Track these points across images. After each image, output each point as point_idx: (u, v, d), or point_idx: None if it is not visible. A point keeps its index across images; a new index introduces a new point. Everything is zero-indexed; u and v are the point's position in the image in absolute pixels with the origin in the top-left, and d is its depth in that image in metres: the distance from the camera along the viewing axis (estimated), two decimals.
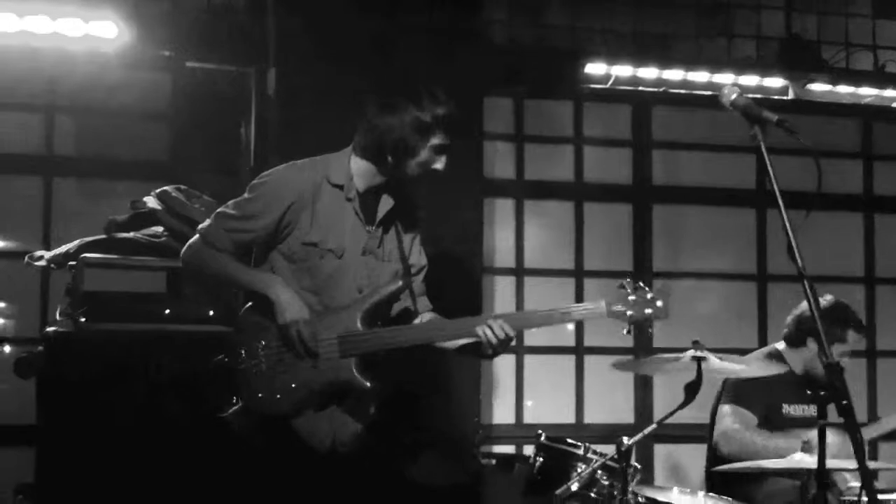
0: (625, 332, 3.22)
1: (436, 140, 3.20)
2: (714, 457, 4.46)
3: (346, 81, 4.88)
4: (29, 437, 4.23)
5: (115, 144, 5.44)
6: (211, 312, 4.19)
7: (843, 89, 6.32)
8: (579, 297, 6.14)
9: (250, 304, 3.30)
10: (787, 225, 2.55)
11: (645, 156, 6.30)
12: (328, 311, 3.25)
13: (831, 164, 6.28)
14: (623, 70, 5.96)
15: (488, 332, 3.18)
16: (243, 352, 3.24)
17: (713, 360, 3.66)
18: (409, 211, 3.45)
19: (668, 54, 6.11)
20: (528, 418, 5.99)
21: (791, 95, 6.34)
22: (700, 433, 4.76)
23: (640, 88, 6.12)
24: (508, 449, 5.85)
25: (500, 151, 6.06)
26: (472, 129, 5.29)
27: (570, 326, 6.14)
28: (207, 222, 3.33)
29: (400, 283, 3.30)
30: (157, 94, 5.47)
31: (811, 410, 4.38)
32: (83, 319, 4.10)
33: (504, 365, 6.01)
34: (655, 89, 6.14)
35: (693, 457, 5.53)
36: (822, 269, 6.06)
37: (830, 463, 2.85)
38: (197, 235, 3.34)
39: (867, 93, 6.37)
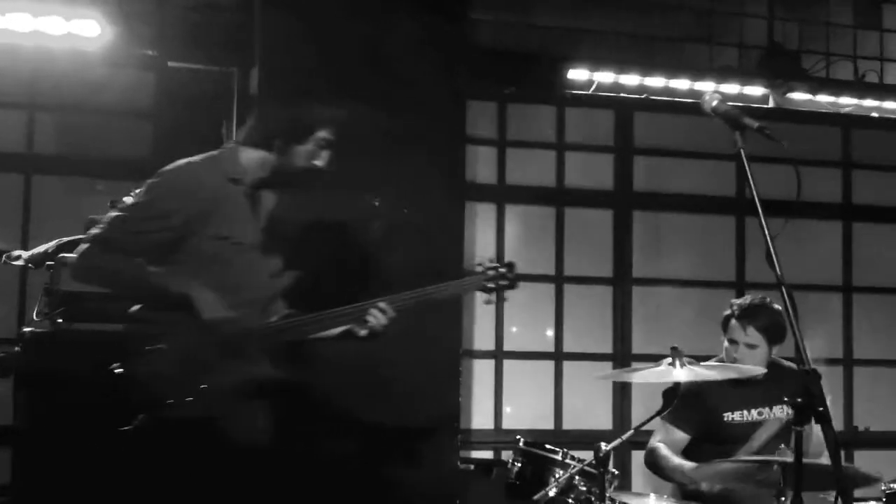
0: (485, 302, 3.62)
1: (322, 133, 3.34)
2: None
3: (330, 82, 4.88)
4: (5, 437, 4.20)
5: (96, 142, 5.43)
6: None
7: (823, 98, 6.35)
8: (559, 302, 6.16)
9: (139, 306, 3.20)
10: (766, 232, 2.56)
11: (627, 162, 6.33)
12: (237, 306, 3.22)
13: (811, 172, 6.33)
14: (605, 76, 5.98)
15: (379, 315, 3.35)
16: (145, 357, 3.11)
17: (691, 367, 3.67)
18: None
19: (651, 60, 6.14)
20: (507, 424, 6.00)
21: (771, 104, 6.38)
22: None
23: (623, 95, 6.15)
24: (487, 454, 5.86)
25: (482, 155, 6.07)
26: (455, 131, 5.29)
27: (550, 332, 6.16)
28: (104, 227, 3.23)
29: (290, 275, 3.35)
30: (140, 93, 5.46)
31: (753, 415, 4.37)
32: (60, 319, 4.08)
33: (483, 370, 6.02)
34: (638, 96, 6.17)
35: None
36: (801, 277, 6.10)
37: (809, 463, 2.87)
38: (90, 243, 3.23)
39: (847, 102, 6.40)
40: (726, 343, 4.36)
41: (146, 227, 3.21)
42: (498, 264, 3.60)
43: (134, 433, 3.09)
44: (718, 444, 4.30)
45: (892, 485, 3.66)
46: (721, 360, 4.43)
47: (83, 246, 3.26)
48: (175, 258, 3.24)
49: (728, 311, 4.39)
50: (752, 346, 4.28)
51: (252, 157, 3.35)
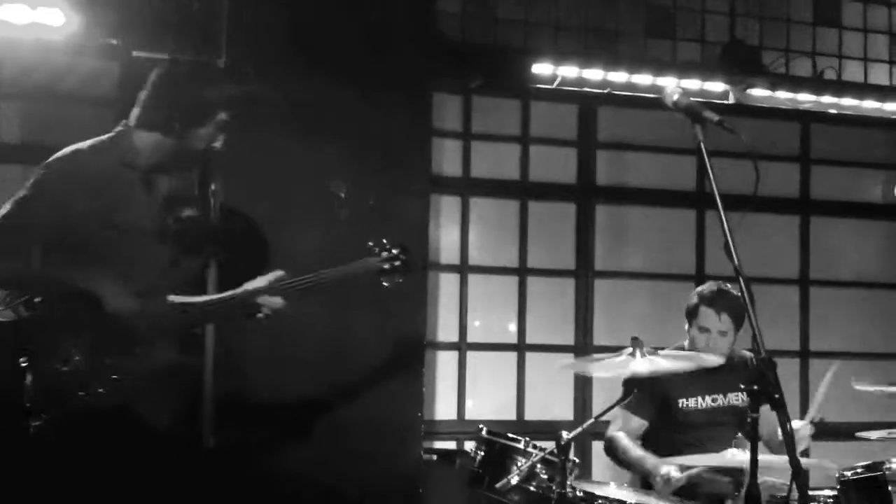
0: (385, 284, 3.67)
1: (223, 115, 3.29)
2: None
3: (294, 72, 4.89)
4: None
5: (60, 131, 5.36)
6: None
7: (782, 94, 6.45)
8: (522, 294, 6.21)
9: (39, 300, 3.16)
10: (725, 224, 2.61)
11: (590, 156, 6.38)
12: (136, 294, 3.20)
13: (769, 166, 6.42)
14: (569, 70, 6.03)
15: (276, 299, 3.38)
16: (50, 351, 3.08)
17: (652, 357, 3.73)
18: (185, 195, 3.54)
19: (614, 55, 6.20)
20: (470, 415, 6.04)
21: (732, 99, 6.46)
22: None
23: (586, 89, 6.21)
24: (450, 445, 5.89)
25: (447, 148, 6.10)
26: (421, 124, 5.31)
27: (513, 324, 6.20)
28: None
29: (188, 260, 3.37)
30: (105, 81, 5.41)
31: (708, 402, 4.43)
32: (23, 308, 4.05)
33: (446, 361, 6.06)
34: (601, 90, 6.23)
35: None
36: (758, 270, 6.18)
37: (763, 458, 2.93)
38: None
39: (805, 98, 6.50)
40: (694, 331, 4.39)
41: (37, 221, 3.15)
42: (392, 247, 3.63)
43: (44, 428, 3.03)
44: (675, 432, 4.37)
45: (845, 472, 3.74)
46: (681, 349, 4.49)
47: None
48: (69, 248, 3.18)
49: (695, 300, 4.41)
50: (724, 333, 4.32)
51: (147, 140, 3.28)
